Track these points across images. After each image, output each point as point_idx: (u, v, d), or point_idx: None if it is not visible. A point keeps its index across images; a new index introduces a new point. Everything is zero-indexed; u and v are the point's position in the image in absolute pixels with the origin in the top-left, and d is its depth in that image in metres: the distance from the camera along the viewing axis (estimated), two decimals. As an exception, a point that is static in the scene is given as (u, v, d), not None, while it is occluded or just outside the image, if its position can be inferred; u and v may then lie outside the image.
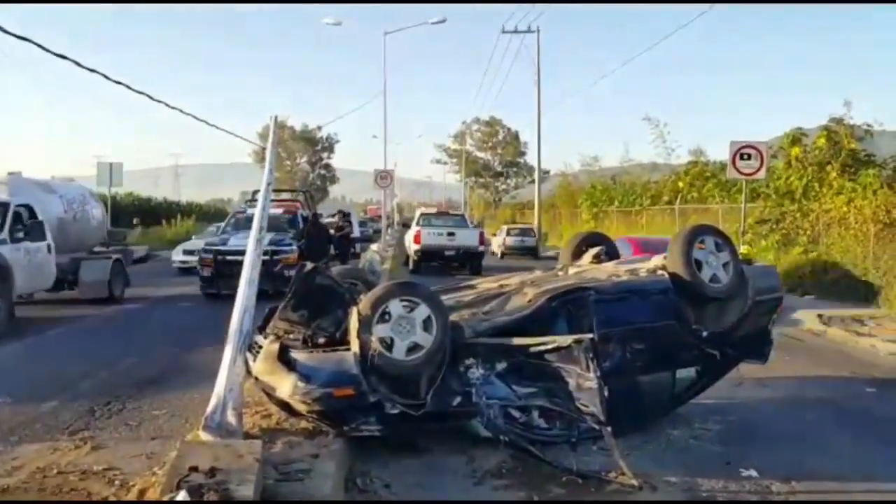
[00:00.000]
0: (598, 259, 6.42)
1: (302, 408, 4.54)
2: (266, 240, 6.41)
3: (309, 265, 5.51)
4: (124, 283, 13.39)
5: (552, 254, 28.38)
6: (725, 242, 5.64)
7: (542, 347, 4.72)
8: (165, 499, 3.07)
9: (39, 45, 5.39)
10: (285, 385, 4.49)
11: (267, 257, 11.68)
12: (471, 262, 19.18)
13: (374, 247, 22.07)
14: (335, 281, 5.45)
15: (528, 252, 26.96)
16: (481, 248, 19.60)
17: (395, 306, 4.58)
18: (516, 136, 67.41)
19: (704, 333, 5.37)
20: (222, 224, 21.40)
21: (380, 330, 4.51)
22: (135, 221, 27.66)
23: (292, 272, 6.36)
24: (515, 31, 34.26)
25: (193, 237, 22.26)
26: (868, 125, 17.80)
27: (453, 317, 4.97)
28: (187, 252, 18.82)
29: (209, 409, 4.11)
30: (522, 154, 67.28)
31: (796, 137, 18.30)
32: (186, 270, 17.82)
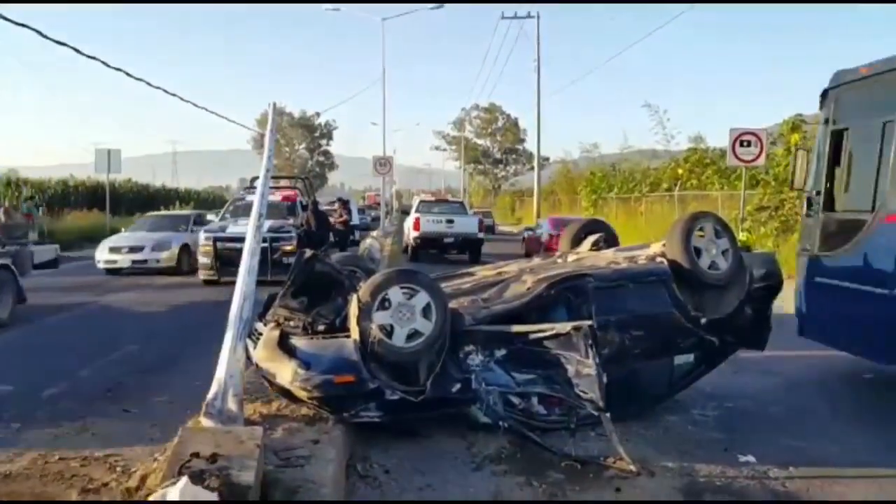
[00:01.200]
0: (597, 246, 6.42)
1: (302, 394, 4.55)
2: (265, 227, 6.40)
3: (308, 252, 5.50)
4: (14, 298, 9.45)
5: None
6: (724, 229, 5.63)
7: (542, 334, 4.73)
8: (166, 485, 3.08)
9: (38, 32, 5.36)
10: (286, 372, 4.50)
11: (266, 244, 11.71)
12: (470, 249, 19.15)
13: (373, 234, 22.08)
14: (335, 268, 5.45)
15: (486, 230, 30.38)
16: (481, 235, 19.56)
17: (395, 293, 4.59)
18: (515, 123, 67.32)
19: (703, 320, 5.37)
20: (170, 212, 20.20)
21: (380, 317, 4.52)
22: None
23: (291, 259, 6.35)
24: (515, 17, 34.19)
25: (124, 230, 17.88)
26: (868, 111, 17.70)
27: (452, 304, 4.98)
28: (114, 250, 15.47)
29: (210, 395, 4.12)
30: (522, 141, 67.24)
31: (796, 124, 18.22)
32: (114, 272, 15.18)
